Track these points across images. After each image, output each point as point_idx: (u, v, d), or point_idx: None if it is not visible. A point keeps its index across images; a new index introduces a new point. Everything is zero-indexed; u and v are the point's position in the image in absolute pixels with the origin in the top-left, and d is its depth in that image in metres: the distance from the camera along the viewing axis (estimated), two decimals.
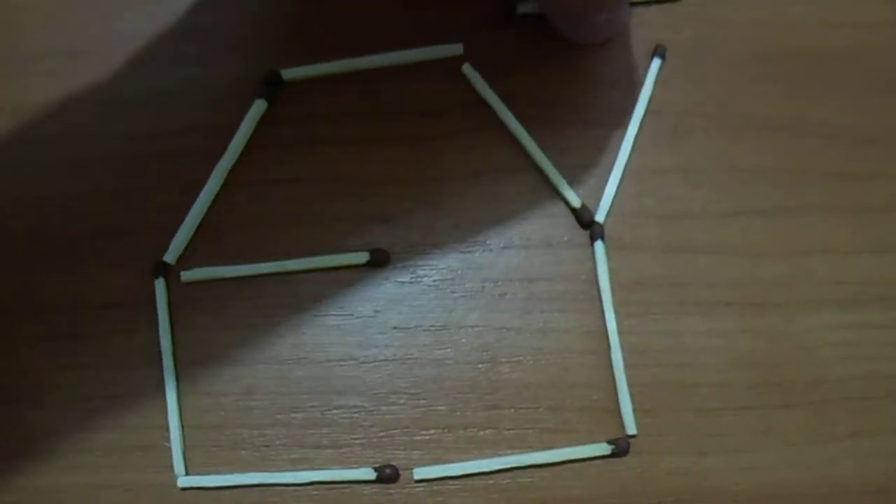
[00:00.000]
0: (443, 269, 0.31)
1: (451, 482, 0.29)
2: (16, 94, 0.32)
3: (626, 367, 0.30)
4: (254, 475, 0.29)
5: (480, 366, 0.30)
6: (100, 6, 0.33)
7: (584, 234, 0.31)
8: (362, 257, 0.30)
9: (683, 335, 0.31)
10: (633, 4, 0.33)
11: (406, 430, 0.30)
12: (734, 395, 0.30)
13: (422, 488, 0.29)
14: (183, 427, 0.29)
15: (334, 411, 0.30)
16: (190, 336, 0.30)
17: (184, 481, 0.29)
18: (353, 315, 0.30)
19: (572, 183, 0.31)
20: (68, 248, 0.31)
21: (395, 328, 0.30)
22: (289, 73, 0.31)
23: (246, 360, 0.30)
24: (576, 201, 0.31)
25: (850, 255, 0.32)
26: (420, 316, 0.30)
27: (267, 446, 0.29)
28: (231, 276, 0.30)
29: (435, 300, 0.31)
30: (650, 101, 0.32)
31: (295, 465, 0.29)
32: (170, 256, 0.30)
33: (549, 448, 0.29)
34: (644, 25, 0.33)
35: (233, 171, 0.31)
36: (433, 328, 0.30)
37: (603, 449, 0.29)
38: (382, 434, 0.29)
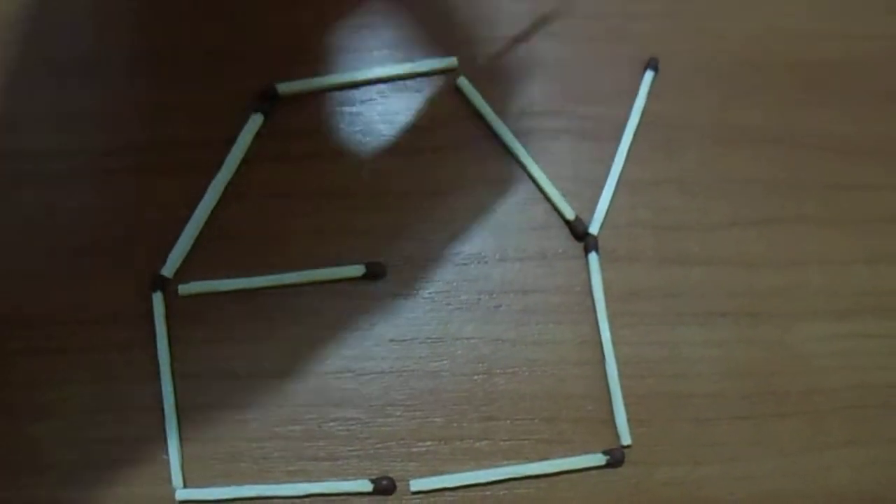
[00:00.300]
0: (438, 281, 0.31)
1: (447, 494, 0.29)
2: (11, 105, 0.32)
3: (621, 377, 0.30)
4: (251, 487, 0.29)
5: (476, 377, 0.30)
6: (96, 21, 0.33)
7: (578, 246, 0.31)
8: (358, 270, 0.31)
9: (678, 346, 0.31)
10: None
11: (402, 441, 0.30)
12: (729, 405, 0.30)
13: (418, 500, 0.29)
14: (181, 440, 0.30)
15: (331, 423, 0.30)
16: (187, 349, 0.30)
17: (182, 494, 0.29)
18: (349, 328, 0.30)
19: (566, 195, 0.32)
20: (66, 262, 0.31)
21: (391, 340, 0.30)
22: (284, 88, 0.32)
23: (243, 373, 0.30)
24: (570, 213, 0.31)
25: (844, 266, 0.32)
26: (416, 328, 0.31)
27: (264, 458, 0.29)
28: (228, 289, 0.30)
29: (431, 312, 0.31)
30: (644, 113, 0.33)
31: (292, 477, 0.29)
32: (167, 270, 0.31)
33: (545, 459, 0.29)
34: (637, 38, 0.34)
35: (230, 185, 0.31)
36: (429, 340, 0.30)
37: (598, 459, 0.29)
38: (379, 446, 0.30)
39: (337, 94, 0.32)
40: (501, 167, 0.32)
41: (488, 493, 0.29)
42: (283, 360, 0.30)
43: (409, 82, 0.33)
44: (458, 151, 0.32)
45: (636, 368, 0.30)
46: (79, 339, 0.30)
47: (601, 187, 0.32)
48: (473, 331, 0.31)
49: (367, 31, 0.33)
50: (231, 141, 0.31)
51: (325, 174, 0.32)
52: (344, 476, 0.29)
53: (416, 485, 0.29)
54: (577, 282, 0.31)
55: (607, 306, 0.31)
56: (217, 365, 0.30)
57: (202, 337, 0.30)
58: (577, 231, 0.31)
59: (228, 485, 0.29)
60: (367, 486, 0.29)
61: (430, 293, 0.31)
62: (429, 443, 0.30)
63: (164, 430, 0.29)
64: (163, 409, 0.30)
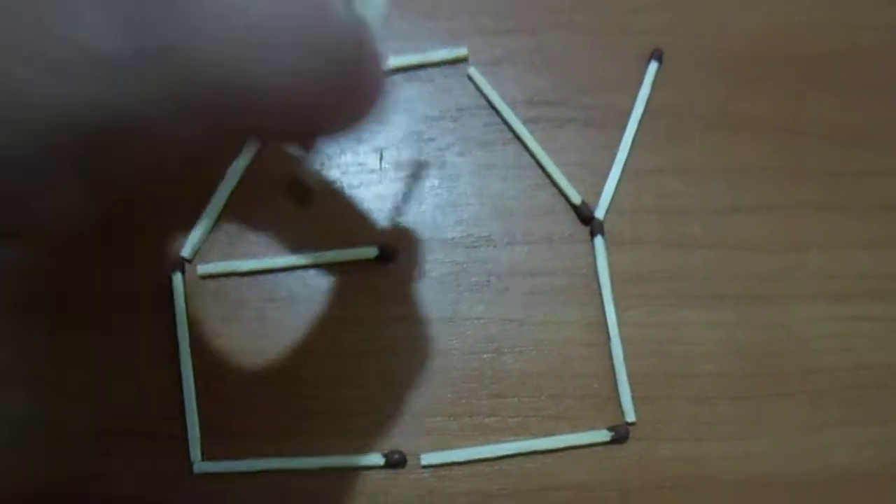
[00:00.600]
0: (448, 263, 0.32)
1: (456, 468, 0.30)
2: None
3: (626, 357, 0.31)
4: (267, 461, 0.30)
5: (485, 356, 0.31)
6: None
7: (584, 230, 0.32)
8: (372, 252, 0.31)
9: (681, 327, 0.32)
10: None
11: (413, 417, 0.31)
12: (730, 385, 0.31)
13: (428, 474, 0.30)
14: (200, 416, 0.30)
15: (345, 400, 0.31)
16: (206, 328, 0.31)
17: (199, 467, 0.30)
18: (362, 307, 0.31)
19: (573, 181, 0.33)
20: (90, 245, 0.32)
21: (403, 320, 0.31)
22: None
23: (259, 350, 0.31)
24: (576, 198, 0.32)
25: (844, 250, 0.33)
26: (427, 309, 0.31)
27: (279, 433, 0.30)
28: (245, 270, 0.31)
29: (441, 293, 0.32)
30: (648, 103, 0.33)
31: (306, 451, 0.30)
32: (187, 252, 0.32)
33: (552, 435, 0.30)
34: (641, 31, 0.34)
35: (248, 169, 0.32)
36: (440, 320, 0.31)
37: (603, 436, 0.30)
38: (391, 422, 0.31)
39: None
40: (510, 153, 0.33)
41: (496, 467, 0.30)
42: (298, 338, 0.31)
43: (420, 72, 0.33)
44: (467, 138, 0.33)
45: (640, 348, 0.31)
46: (100, 318, 0.31)
47: (607, 174, 0.33)
48: (483, 311, 0.32)
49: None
50: None
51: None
52: (357, 451, 0.30)
53: (427, 459, 0.30)
54: (584, 264, 0.32)
55: (612, 288, 0.32)
56: (234, 343, 0.31)
57: (220, 316, 0.31)
58: (584, 215, 0.32)
59: (244, 458, 0.30)
60: (379, 459, 0.30)
61: (440, 275, 0.32)
62: (439, 419, 0.31)
63: (182, 406, 0.30)
64: (182, 386, 0.31)
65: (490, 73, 0.33)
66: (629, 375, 0.31)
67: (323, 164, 0.32)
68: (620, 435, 0.30)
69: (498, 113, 0.33)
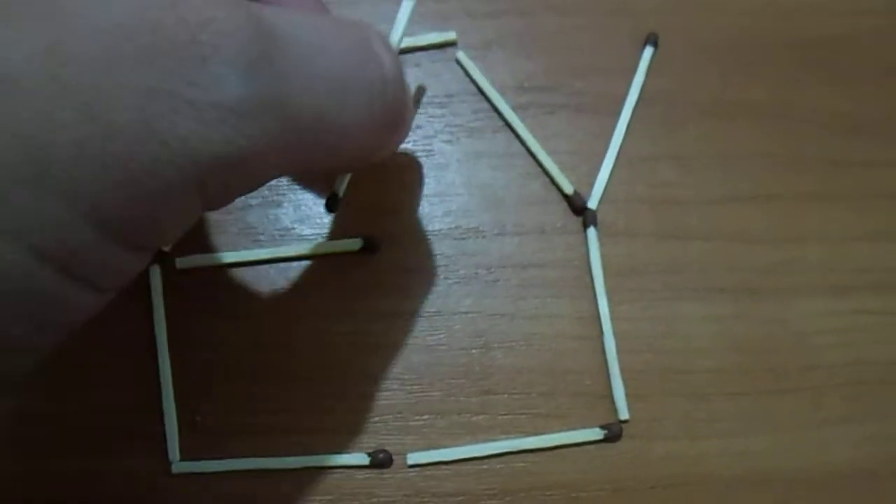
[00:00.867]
0: (436, 255, 0.31)
1: (444, 467, 0.29)
2: None
3: (619, 352, 0.30)
4: (248, 461, 0.29)
5: (474, 351, 0.30)
6: None
7: (576, 221, 0.31)
8: (356, 244, 0.30)
9: (677, 321, 0.31)
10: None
11: (399, 415, 0.30)
12: (727, 381, 0.30)
13: (415, 473, 0.29)
14: (178, 413, 0.29)
15: (329, 397, 0.30)
16: (185, 322, 0.30)
17: (178, 467, 0.29)
18: (346, 301, 0.30)
19: (565, 170, 0.32)
20: None
21: (388, 314, 0.30)
22: None
23: (240, 346, 0.30)
24: (568, 188, 0.31)
25: (843, 242, 0.32)
26: (413, 302, 0.30)
27: (261, 432, 0.29)
28: (226, 262, 0.30)
29: (428, 286, 0.31)
30: (643, 89, 0.32)
31: (289, 450, 0.29)
32: None
33: (543, 433, 0.29)
34: (636, 14, 0.33)
35: None
36: (427, 314, 0.30)
37: (596, 434, 0.29)
38: (376, 419, 0.30)
39: None
40: (500, 141, 0.32)
41: (485, 466, 0.29)
42: (279, 333, 0.30)
43: (407, 56, 0.32)
44: (456, 125, 0.32)
45: (634, 343, 0.30)
46: None
47: (600, 162, 0.32)
48: (471, 305, 0.31)
49: (367, 5, 0.33)
50: None
51: None
52: (341, 449, 0.29)
53: (413, 458, 0.29)
54: (576, 256, 0.31)
55: (606, 281, 0.31)
56: (214, 338, 0.30)
57: (199, 309, 0.30)
58: (576, 205, 0.31)
59: (225, 458, 0.29)
60: (363, 459, 0.29)
61: (427, 267, 0.31)
62: (426, 416, 0.30)
63: (160, 404, 0.29)
64: (159, 382, 0.30)
65: (479, 58, 0.32)
66: (623, 371, 0.30)
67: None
68: (613, 433, 0.29)
69: (487, 99, 0.32)
